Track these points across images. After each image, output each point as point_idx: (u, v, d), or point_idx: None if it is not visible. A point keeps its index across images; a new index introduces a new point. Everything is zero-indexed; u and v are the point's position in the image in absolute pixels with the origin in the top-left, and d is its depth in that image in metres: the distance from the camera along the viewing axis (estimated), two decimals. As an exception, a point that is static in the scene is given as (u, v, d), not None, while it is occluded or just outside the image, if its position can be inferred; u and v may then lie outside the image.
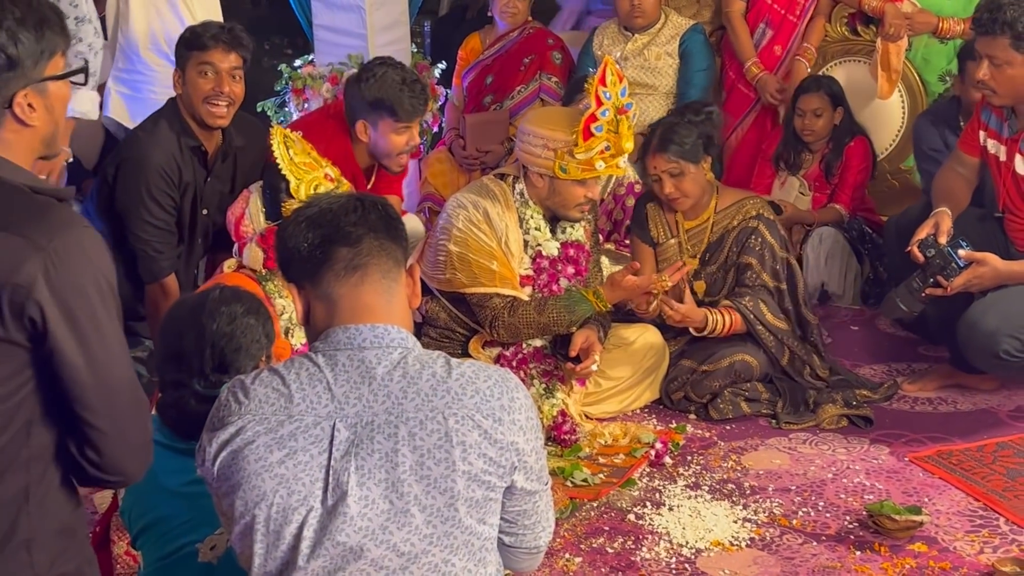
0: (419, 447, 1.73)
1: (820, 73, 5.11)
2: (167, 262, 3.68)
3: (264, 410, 1.76)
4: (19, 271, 1.66)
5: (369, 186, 3.90)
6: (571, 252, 3.68)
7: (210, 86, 3.57)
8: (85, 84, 1.93)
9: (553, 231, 3.68)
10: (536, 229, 3.63)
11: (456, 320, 3.72)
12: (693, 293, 3.83)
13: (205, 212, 3.77)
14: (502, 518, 1.85)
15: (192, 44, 3.58)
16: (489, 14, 5.46)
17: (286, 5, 5.96)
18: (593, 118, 3.37)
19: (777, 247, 3.84)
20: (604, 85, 3.37)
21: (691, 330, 3.81)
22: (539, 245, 3.64)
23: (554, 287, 3.65)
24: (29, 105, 1.78)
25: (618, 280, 3.59)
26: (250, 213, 3.28)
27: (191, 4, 4.36)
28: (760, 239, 3.83)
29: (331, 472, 1.72)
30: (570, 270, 3.68)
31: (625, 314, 3.92)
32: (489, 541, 1.81)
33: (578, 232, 3.71)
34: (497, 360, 3.66)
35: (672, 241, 3.94)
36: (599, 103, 3.36)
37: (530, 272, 3.65)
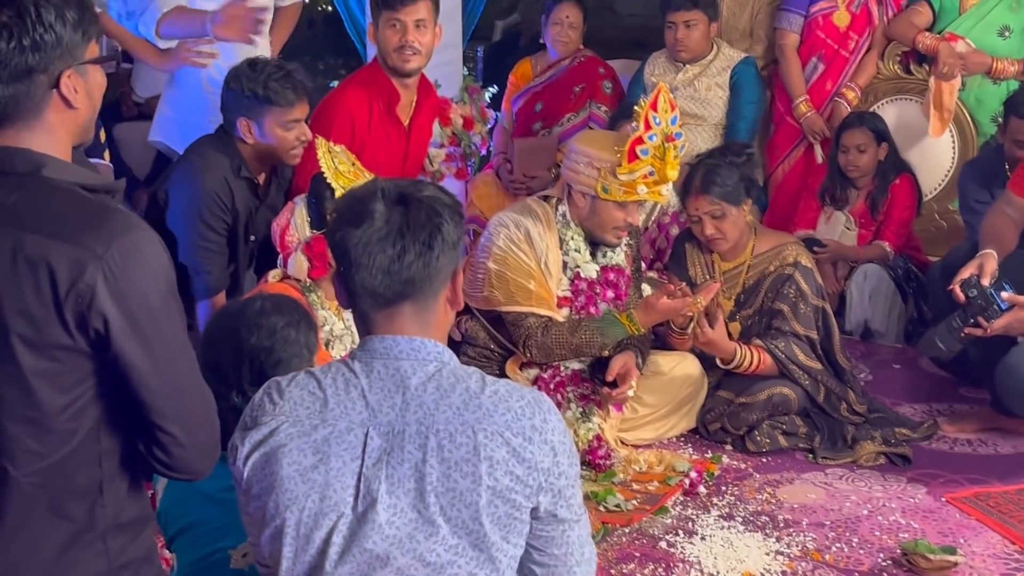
0: (447, 459, 1.73)
1: (865, 110, 5.10)
2: (218, 282, 3.69)
3: (298, 412, 1.77)
4: (79, 283, 1.66)
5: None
6: (611, 276, 3.68)
7: (294, 135, 3.60)
8: (116, 71, 1.94)
9: (594, 255, 3.68)
10: (576, 251, 3.63)
11: (494, 340, 3.73)
12: (728, 334, 3.82)
13: (253, 239, 3.79)
14: (532, 545, 1.82)
15: (273, 101, 3.53)
16: (541, 41, 5.49)
17: (341, 27, 6.05)
18: (640, 141, 3.36)
19: (811, 295, 3.83)
20: (655, 110, 3.36)
21: (718, 361, 3.80)
22: (578, 267, 3.65)
23: (591, 309, 3.65)
24: (74, 88, 1.77)
25: (652, 303, 3.57)
26: (295, 223, 3.32)
27: None
28: (795, 287, 3.82)
29: (362, 479, 1.73)
30: (610, 294, 3.68)
31: (664, 345, 3.92)
32: (514, 560, 1.80)
33: (619, 257, 3.71)
34: (535, 382, 3.66)
35: (708, 281, 3.93)
36: (647, 127, 3.35)
37: (568, 293, 3.66)
